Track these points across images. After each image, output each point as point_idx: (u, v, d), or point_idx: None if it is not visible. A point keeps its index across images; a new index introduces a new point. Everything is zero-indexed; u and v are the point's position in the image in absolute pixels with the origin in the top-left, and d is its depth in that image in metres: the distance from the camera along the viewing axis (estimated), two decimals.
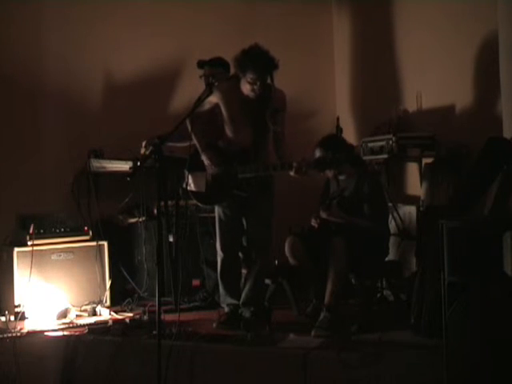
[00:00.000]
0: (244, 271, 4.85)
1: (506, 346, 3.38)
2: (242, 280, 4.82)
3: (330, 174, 4.76)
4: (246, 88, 4.47)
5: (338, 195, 4.69)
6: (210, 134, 4.72)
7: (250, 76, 4.40)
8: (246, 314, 4.65)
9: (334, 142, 4.77)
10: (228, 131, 4.63)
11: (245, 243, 4.86)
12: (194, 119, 4.53)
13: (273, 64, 4.41)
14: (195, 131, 4.60)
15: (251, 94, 4.47)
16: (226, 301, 4.77)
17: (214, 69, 5.33)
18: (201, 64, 5.50)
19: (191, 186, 4.68)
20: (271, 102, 4.52)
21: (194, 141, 4.65)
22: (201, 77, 5.45)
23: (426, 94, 5.60)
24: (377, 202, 4.64)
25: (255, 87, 4.42)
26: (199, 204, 4.87)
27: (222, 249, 4.71)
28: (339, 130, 5.20)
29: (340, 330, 4.31)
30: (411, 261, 5.06)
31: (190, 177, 4.64)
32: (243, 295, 4.71)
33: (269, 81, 4.49)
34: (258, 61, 4.37)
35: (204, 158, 4.59)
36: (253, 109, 4.52)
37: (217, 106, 4.62)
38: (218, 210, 4.71)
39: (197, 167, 4.65)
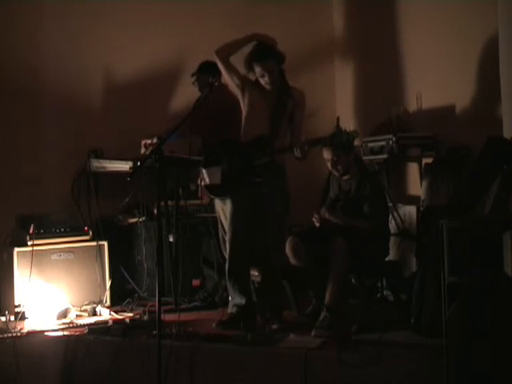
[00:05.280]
0: (252, 272, 4.85)
1: (506, 345, 3.38)
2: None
3: (328, 156, 4.69)
4: (262, 84, 4.59)
5: (343, 197, 4.68)
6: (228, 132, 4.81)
7: (256, 70, 4.55)
8: (266, 314, 4.63)
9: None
10: (245, 117, 4.69)
11: (258, 241, 4.81)
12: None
13: (271, 51, 4.54)
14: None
15: (267, 87, 4.58)
16: (234, 300, 4.73)
17: (202, 74, 5.40)
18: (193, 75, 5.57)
19: (206, 181, 4.71)
20: (290, 99, 4.62)
21: None
22: (193, 83, 5.50)
23: (426, 94, 5.59)
24: (377, 202, 4.63)
25: (266, 79, 4.54)
26: (214, 197, 4.84)
27: (232, 246, 4.65)
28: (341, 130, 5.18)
29: (340, 329, 4.31)
30: (411, 261, 5.06)
31: (204, 172, 4.70)
32: (261, 295, 4.71)
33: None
34: (255, 53, 4.54)
35: None
36: (272, 101, 4.61)
37: (241, 88, 4.70)
38: (230, 206, 4.67)
39: (212, 161, 4.67)
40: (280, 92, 4.62)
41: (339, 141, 4.42)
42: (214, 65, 4.91)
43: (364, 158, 5.41)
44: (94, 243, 5.36)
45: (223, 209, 4.93)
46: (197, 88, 5.56)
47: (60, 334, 4.62)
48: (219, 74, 4.95)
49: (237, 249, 4.65)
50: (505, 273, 3.72)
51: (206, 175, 4.71)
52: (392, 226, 5.11)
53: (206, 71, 5.34)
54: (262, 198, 4.57)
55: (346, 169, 4.67)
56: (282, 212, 4.64)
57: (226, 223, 4.72)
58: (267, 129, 4.57)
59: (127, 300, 5.39)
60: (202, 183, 4.77)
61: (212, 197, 4.87)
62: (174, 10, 6.15)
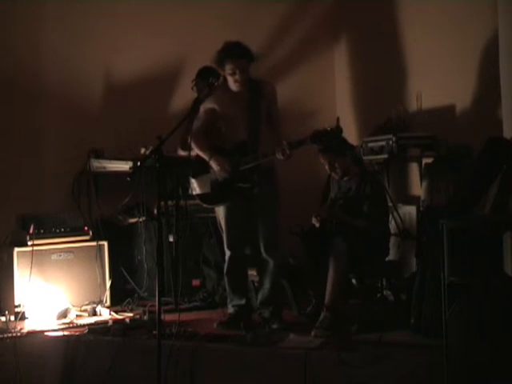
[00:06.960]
0: (251, 272, 4.84)
1: (506, 345, 3.38)
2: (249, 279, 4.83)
3: (325, 160, 4.68)
4: (231, 83, 4.53)
5: (343, 197, 4.68)
6: (211, 139, 4.72)
7: (228, 67, 4.48)
8: (266, 314, 4.65)
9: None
10: (224, 128, 4.65)
11: (254, 241, 4.82)
12: (195, 133, 4.57)
13: (245, 50, 4.48)
14: (197, 144, 4.62)
15: (236, 86, 4.51)
16: (232, 301, 4.74)
17: (200, 80, 5.39)
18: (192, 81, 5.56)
19: (196, 190, 4.70)
20: (262, 95, 4.57)
21: (198, 152, 4.65)
22: (192, 88, 5.49)
23: (426, 94, 5.59)
24: (377, 202, 4.63)
25: (237, 77, 4.48)
26: (206, 205, 4.84)
27: (228, 247, 4.69)
28: (340, 130, 5.20)
29: (340, 329, 4.31)
30: (411, 261, 5.06)
31: (194, 182, 4.70)
32: (260, 295, 4.71)
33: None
34: (230, 50, 4.47)
35: (213, 164, 4.57)
36: (245, 103, 4.56)
37: (213, 110, 4.63)
38: (223, 209, 4.68)
39: (201, 170, 4.66)
40: (251, 93, 4.56)
41: (320, 140, 4.36)
42: (212, 70, 4.91)
43: (364, 158, 5.41)
44: (94, 243, 5.36)
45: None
46: (196, 93, 5.53)
47: (60, 333, 4.62)
48: (218, 76, 4.95)
49: (233, 251, 4.67)
50: (505, 273, 3.73)
51: (195, 185, 4.71)
52: (392, 225, 5.12)
53: (205, 76, 5.33)
54: (254, 200, 4.57)
55: (344, 171, 4.67)
56: (275, 212, 4.64)
57: None
58: (246, 133, 4.54)
59: (127, 300, 5.38)
60: (194, 193, 4.76)
61: (205, 205, 4.86)
62: (174, 11, 6.15)
